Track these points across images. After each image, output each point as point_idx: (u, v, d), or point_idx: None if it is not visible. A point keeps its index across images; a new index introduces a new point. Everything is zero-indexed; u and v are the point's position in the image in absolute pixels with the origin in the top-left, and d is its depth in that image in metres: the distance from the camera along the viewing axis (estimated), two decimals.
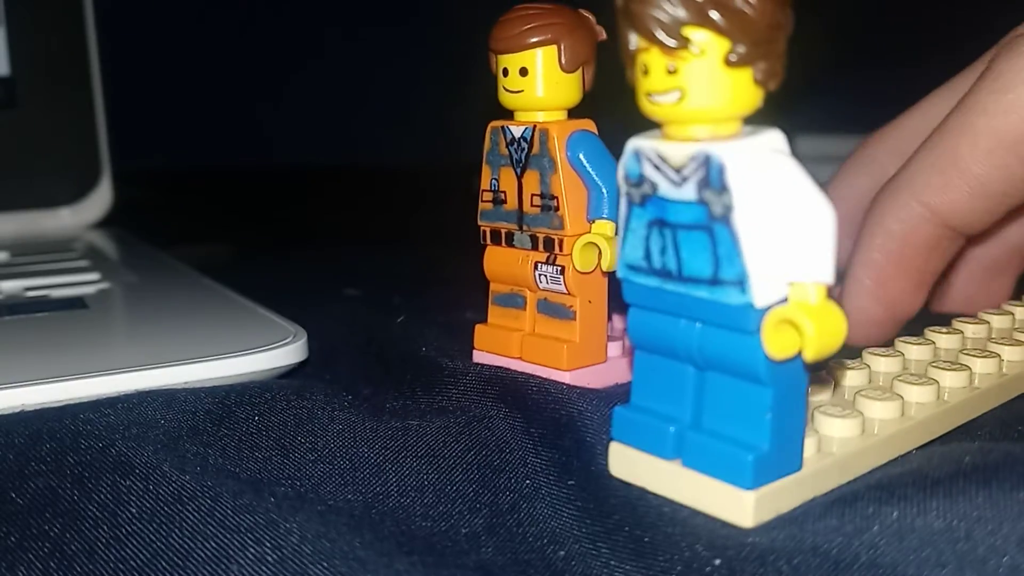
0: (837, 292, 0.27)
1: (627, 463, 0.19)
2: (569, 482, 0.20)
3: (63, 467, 0.20)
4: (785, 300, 0.16)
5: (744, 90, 0.16)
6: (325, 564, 0.17)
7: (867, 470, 0.19)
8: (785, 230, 0.16)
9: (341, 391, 0.25)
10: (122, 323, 0.32)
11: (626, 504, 0.19)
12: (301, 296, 0.35)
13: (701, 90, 0.16)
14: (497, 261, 0.27)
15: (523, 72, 0.24)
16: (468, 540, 0.19)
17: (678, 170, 0.17)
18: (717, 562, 0.17)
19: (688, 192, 0.17)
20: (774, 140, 0.17)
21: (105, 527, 0.18)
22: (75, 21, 0.51)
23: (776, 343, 0.16)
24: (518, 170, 0.25)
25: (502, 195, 0.26)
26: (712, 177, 0.16)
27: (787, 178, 0.16)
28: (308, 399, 0.23)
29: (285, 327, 0.27)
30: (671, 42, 0.16)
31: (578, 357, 0.25)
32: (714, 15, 0.15)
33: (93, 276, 0.36)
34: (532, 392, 0.24)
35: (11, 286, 0.35)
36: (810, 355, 0.16)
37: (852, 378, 0.22)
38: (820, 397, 0.21)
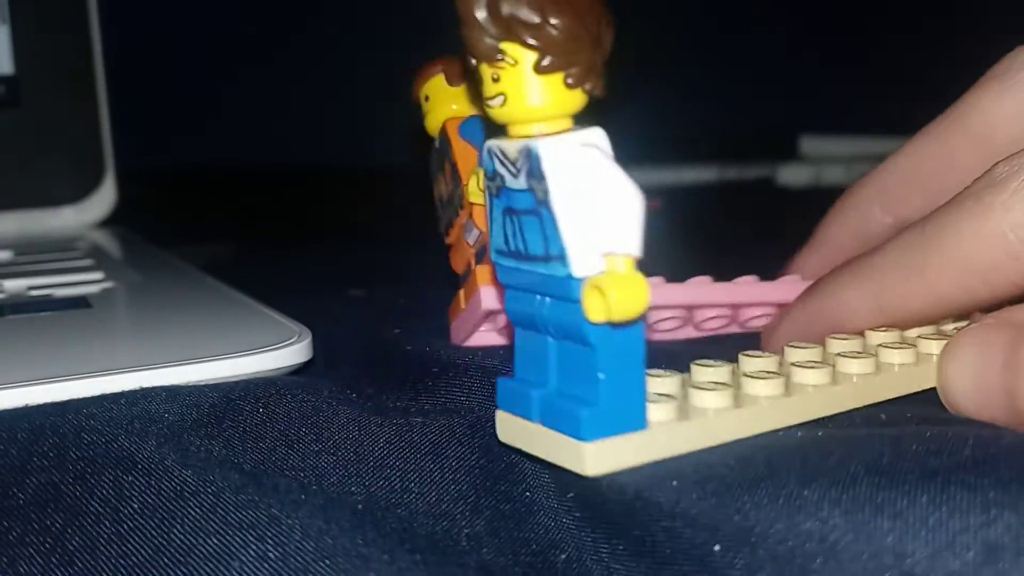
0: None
1: (507, 427, 0.21)
2: (568, 495, 0.20)
3: (65, 462, 0.20)
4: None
5: (557, 92, 0.19)
6: (328, 562, 0.17)
7: (737, 437, 0.21)
8: (595, 209, 0.19)
9: (346, 388, 0.25)
10: (126, 322, 0.32)
11: (627, 512, 0.19)
12: (305, 296, 0.35)
13: (518, 93, 0.19)
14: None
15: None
16: (469, 540, 0.19)
17: (514, 163, 0.20)
18: (716, 548, 0.17)
19: (521, 182, 0.20)
20: (591, 136, 0.19)
21: (107, 523, 0.18)
22: (79, 19, 0.51)
23: (589, 307, 0.19)
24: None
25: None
26: (533, 167, 0.19)
27: (594, 165, 0.19)
28: (314, 393, 0.23)
29: (290, 327, 0.27)
30: (489, 56, 0.19)
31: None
32: (519, 32, 0.18)
33: (97, 275, 0.36)
34: None
35: (14, 285, 0.35)
36: (613, 316, 0.19)
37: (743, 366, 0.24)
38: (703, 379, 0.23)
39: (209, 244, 0.50)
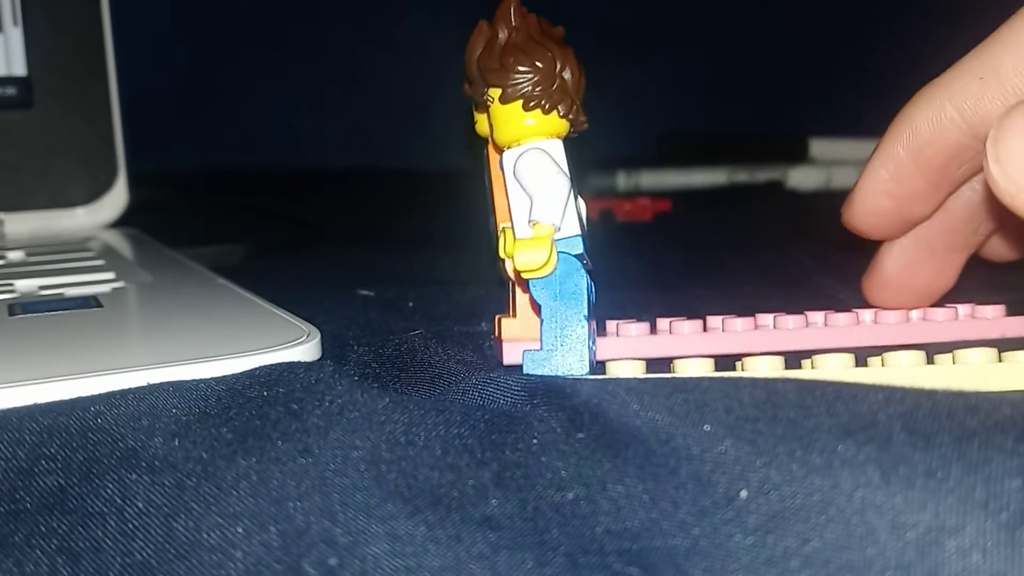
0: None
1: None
2: (578, 435, 0.20)
3: (71, 464, 0.20)
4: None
5: (518, 117, 0.24)
6: (328, 544, 0.17)
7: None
8: (528, 190, 0.24)
9: (352, 375, 0.25)
10: (136, 322, 0.32)
11: (647, 453, 0.19)
12: (314, 296, 0.35)
13: (496, 121, 0.24)
14: None
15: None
16: (476, 491, 0.19)
17: None
18: (744, 494, 0.18)
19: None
20: (545, 144, 0.24)
21: (112, 522, 0.18)
22: (92, 21, 0.51)
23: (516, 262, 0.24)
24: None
25: None
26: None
27: (533, 161, 0.24)
28: (316, 371, 0.23)
29: (299, 326, 0.27)
30: (481, 98, 0.24)
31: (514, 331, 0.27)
32: (487, 77, 0.24)
33: (108, 275, 0.37)
34: (543, 383, 0.24)
35: (26, 285, 0.35)
36: (518, 269, 0.23)
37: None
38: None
39: (219, 245, 0.50)
